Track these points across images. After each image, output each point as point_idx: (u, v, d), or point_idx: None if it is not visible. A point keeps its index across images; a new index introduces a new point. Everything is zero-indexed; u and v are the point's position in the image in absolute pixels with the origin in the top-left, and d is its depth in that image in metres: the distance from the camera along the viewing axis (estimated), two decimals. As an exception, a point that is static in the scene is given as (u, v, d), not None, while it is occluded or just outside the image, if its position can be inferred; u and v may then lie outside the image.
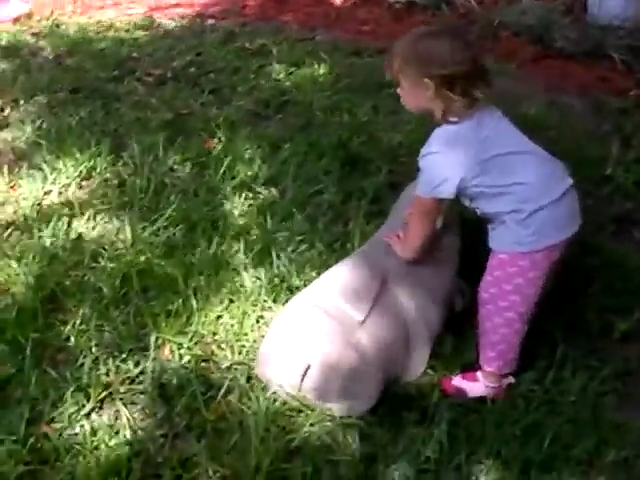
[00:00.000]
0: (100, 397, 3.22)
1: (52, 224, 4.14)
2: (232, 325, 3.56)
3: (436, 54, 3.09)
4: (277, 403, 3.21)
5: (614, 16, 6.91)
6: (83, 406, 3.17)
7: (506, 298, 3.20)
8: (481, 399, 3.31)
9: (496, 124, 3.21)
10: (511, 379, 3.37)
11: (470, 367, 3.40)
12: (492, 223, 3.21)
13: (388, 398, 3.18)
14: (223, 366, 3.38)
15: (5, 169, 4.65)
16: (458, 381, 3.37)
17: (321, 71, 6.11)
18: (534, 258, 3.13)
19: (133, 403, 3.22)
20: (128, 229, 4.11)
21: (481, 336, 3.34)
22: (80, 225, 4.18)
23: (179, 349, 3.44)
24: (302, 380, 3.15)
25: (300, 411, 3.18)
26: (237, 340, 3.49)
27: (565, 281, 3.41)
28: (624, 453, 3.12)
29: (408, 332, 3.26)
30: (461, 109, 3.10)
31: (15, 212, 4.31)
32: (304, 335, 3.17)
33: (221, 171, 4.64)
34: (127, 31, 6.95)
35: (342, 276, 3.35)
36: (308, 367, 3.12)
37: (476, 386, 3.33)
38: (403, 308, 3.27)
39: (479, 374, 3.34)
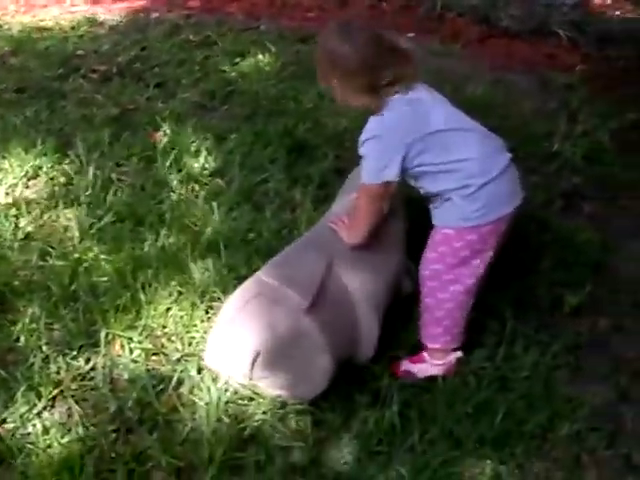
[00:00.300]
0: (51, 395, 3.21)
1: (-1, 225, 4.13)
2: (181, 317, 3.56)
3: (339, 57, 3.12)
4: (228, 393, 3.21)
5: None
6: (35, 405, 3.16)
7: (451, 272, 3.22)
8: (432, 378, 3.34)
9: (433, 101, 3.24)
10: (459, 354, 3.39)
11: (419, 347, 3.42)
12: (435, 202, 3.23)
13: (339, 382, 3.19)
14: (173, 358, 3.38)
15: (-49, 171, 4.62)
16: (406, 364, 3.39)
17: (266, 60, 6.12)
18: (481, 231, 3.16)
19: (84, 400, 3.22)
20: (75, 226, 4.10)
21: (423, 313, 3.36)
22: (28, 224, 4.16)
23: (129, 343, 3.44)
24: (252, 368, 3.15)
25: (252, 399, 3.19)
26: (187, 332, 3.49)
27: (515, 257, 3.44)
28: (577, 426, 3.16)
29: (356, 315, 3.25)
30: (390, 96, 3.12)
31: (-38, 214, 4.28)
32: (251, 323, 3.16)
33: (167, 164, 4.64)
34: (72, 28, 6.88)
35: (287, 262, 3.35)
36: (257, 355, 3.13)
37: (424, 367, 3.36)
38: (350, 292, 3.26)
39: (424, 354, 3.37)
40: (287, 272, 3.22)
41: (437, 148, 3.12)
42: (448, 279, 3.23)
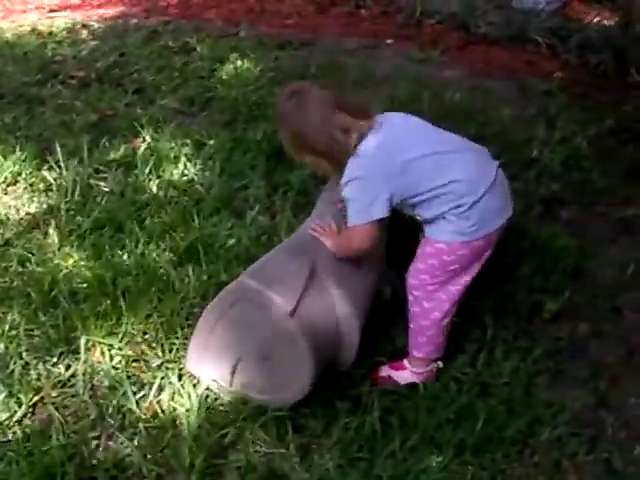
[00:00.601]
0: (32, 402, 3.20)
1: (-22, 232, 4.12)
2: (162, 324, 3.55)
3: (299, 135, 3.16)
4: (209, 399, 3.21)
5: (536, 0, 7.00)
6: (15, 412, 3.16)
7: (439, 284, 3.22)
8: (413, 385, 3.34)
9: (411, 127, 3.27)
10: (439, 364, 3.39)
11: (400, 354, 3.42)
12: (430, 221, 3.21)
13: (320, 388, 3.18)
14: (154, 365, 3.38)
15: None
16: (385, 371, 3.39)
17: (245, 66, 6.13)
18: (473, 246, 3.15)
19: (65, 406, 3.21)
20: (55, 233, 4.09)
21: (410, 322, 3.35)
22: (7, 231, 4.16)
23: (109, 350, 3.43)
24: (234, 373, 3.16)
25: (232, 406, 3.19)
26: (167, 338, 3.48)
27: (495, 263, 3.44)
28: (558, 431, 3.17)
29: (338, 321, 3.25)
30: (359, 137, 3.13)
31: (-60, 221, 4.27)
32: (234, 327, 3.16)
33: (147, 170, 4.64)
34: (50, 34, 6.91)
35: (270, 266, 3.33)
36: (239, 359, 3.13)
37: (404, 374, 3.36)
38: (332, 297, 3.25)
39: (405, 362, 3.37)
40: (270, 276, 3.20)
41: (423, 175, 3.10)
42: (435, 290, 3.23)
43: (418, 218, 3.24)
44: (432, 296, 3.24)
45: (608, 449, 3.12)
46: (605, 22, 6.74)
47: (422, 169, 3.10)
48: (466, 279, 3.24)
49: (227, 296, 3.20)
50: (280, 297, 3.07)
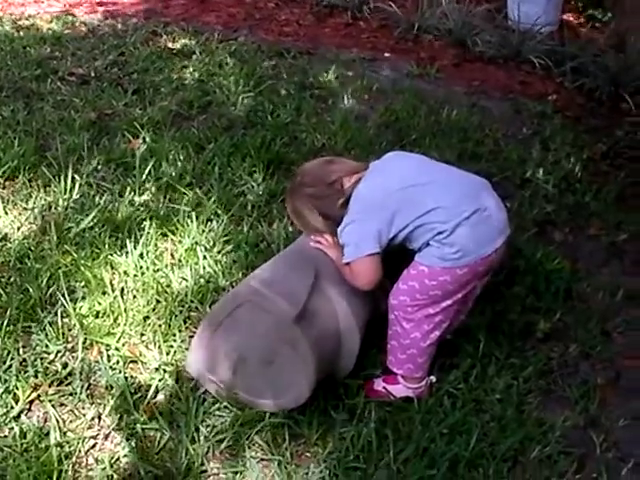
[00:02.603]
0: (29, 399, 3.22)
1: (-24, 226, 4.12)
2: (160, 325, 3.58)
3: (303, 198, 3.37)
4: (206, 403, 3.24)
5: (534, 21, 7.05)
6: (12, 408, 3.17)
7: (418, 307, 3.25)
8: (408, 398, 3.37)
9: (396, 165, 3.40)
10: (432, 378, 3.43)
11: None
12: (419, 250, 3.25)
13: (316, 397, 3.22)
14: (151, 367, 3.40)
15: None
16: (379, 384, 3.42)
17: (244, 72, 6.14)
18: (455, 273, 3.18)
19: (62, 404, 3.23)
20: (54, 230, 4.10)
21: (391, 339, 3.38)
22: (5, 226, 4.16)
23: (107, 350, 3.45)
24: (235, 374, 3.19)
25: (230, 411, 3.22)
26: (165, 341, 3.51)
27: (488, 282, 3.48)
28: (548, 450, 3.21)
29: (339, 329, 3.29)
30: (352, 187, 3.29)
31: (-63, 215, 4.27)
32: (237, 330, 3.18)
33: (146, 172, 4.65)
34: (49, 29, 6.90)
35: (275, 272, 3.36)
36: (240, 363, 3.16)
37: (398, 388, 3.38)
38: (335, 306, 3.29)
39: (399, 377, 3.39)
40: (276, 281, 3.23)
41: (406, 207, 3.17)
42: (414, 311, 3.26)
43: (410, 248, 3.30)
44: (411, 317, 3.27)
45: (596, 469, 3.17)
46: (600, 47, 6.79)
47: (402, 201, 3.18)
48: (449, 307, 3.26)
49: (233, 298, 3.23)
50: (286, 302, 3.11)
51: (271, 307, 3.11)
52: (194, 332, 3.42)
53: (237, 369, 3.18)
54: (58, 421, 3.13)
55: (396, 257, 3.28)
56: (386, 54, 6.92)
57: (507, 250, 3.40)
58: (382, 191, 3.20)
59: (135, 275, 3.84)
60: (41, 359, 3.39)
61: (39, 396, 3.24)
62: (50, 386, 3.29)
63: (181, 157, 4.86)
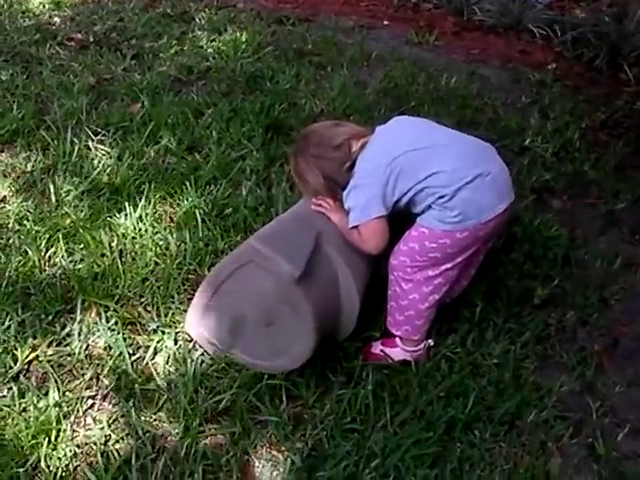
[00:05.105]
0: (27, 359, 3.23)
1: (-25, 188, 4.12)
2: (158, 287, 3.59)
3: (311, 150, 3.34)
4: (204, 365, 3.25)
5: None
6: (10, 368, 3.18)
7: (418, 268, 3.26)
8: (406, 361, 3.38)
9: (398, 130, 3.38)
10: (430, 341, 3.44)
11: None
12: (421, 213, 3.26)
13: (314, 360, 3.23)
14: (150, 328, 3.41)
15: None
16: (377, 348, 3.43)
17: (243, 38, 6.12)
18: (454, 236, 3.18)
19: (61, 365, 3.24)
20: (53, 192, 4.10)
21: (390, 300, 3.40)
22: (3, 189, 4.16)
23: (106, 312, 3.46)
24: (236, 334, 3.20)
25: (227, 373, 3.23)
26: (163, 303, 3.51)
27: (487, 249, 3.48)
28: (545, 414, 3.24)
29: (340, 291, 3.28)
30: (358, 150, 3.28)
31: None
32: (239, 290, 3.18)
33: (145, 136, 4.64)
34: (47, -6, 6.88)
35: (277, 233, 3.35)
36: (240, 323, 3.18)
37: (396, 351, 3.40)
38: (336, 268, 3.28)
39: (397, 339, 3.41)
40: (279, 242, 3.21)
41: (410, 170, 3.17)
42: (413, 272, 3.27)
43: (412, 214, 3.30)
44: (410, 278, 3.28)
45: (592, 434, 3.20)
46: (600, 17, 6.76)
47: (405, 165, 3.17)
48: (449, 270, 3.27)
49: (235, 258, 3.23)
50: (288, 263, 3.09)
51: (273, 268, 3.10)
52: (192, 294, 3.42)
53: (236, 330, 3.19)
54: (57, 381, 3.14)
55: (402, 221, 3.29)
56: (385, 22, 6.89)
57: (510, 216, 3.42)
58: (387, 155, 3.18)
59: (134, 237, 3.85)
60: (40, 320, 3.40)
61: (37, 356, 3.25)
62: (49, 347, 3.30)
63: (180, 122, 4.85)
